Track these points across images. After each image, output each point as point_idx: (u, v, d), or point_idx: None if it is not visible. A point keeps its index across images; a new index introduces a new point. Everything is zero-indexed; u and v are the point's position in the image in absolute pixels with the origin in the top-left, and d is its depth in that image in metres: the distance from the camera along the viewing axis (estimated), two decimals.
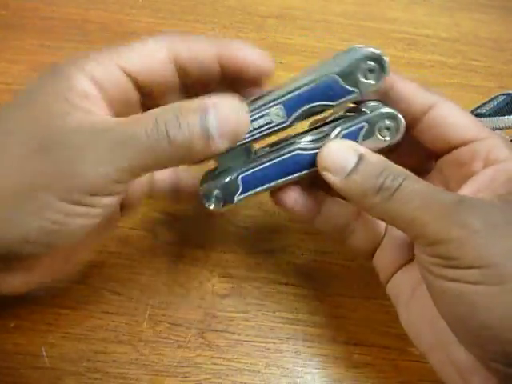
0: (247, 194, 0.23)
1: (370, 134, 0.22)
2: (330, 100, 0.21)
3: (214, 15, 0.46)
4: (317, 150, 0.22)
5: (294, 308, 0.29)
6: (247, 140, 0.22)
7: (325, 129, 0.22)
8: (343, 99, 0.21)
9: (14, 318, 0.27)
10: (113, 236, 0.31)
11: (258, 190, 0.23)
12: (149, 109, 0.22)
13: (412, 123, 0.22)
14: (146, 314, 0.28)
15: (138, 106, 0.22)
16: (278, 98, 0.21)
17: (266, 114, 0.22)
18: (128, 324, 0.27)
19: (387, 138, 0.22)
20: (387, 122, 0.22)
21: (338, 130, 0.22)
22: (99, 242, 0.27)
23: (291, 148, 0.22)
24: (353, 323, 0.29)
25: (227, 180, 0.23)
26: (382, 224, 0.25)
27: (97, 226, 0.25)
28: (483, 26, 0.49)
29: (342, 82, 0.21)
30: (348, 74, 0.21)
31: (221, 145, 0.19)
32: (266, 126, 0.22)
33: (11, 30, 0.43)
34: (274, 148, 0.23)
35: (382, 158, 0.21)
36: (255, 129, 0.22)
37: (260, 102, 0.22)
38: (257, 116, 0.22)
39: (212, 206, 0.23)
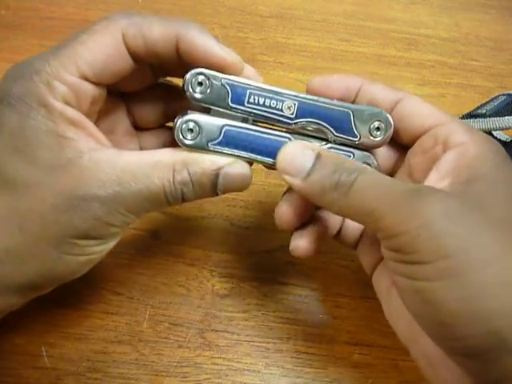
0: (223, 148, 0.22)
1: None
2: (334, 129, 0.22)
3: (214, 15, 0.46)
4: None
5: (294, 308, 0.29)
6: (249, 110, 0.22)
7: (323, 143, 0.23)
8: (343, 136, 0.23)
9: (14, 317, 0.27)
10: None
11: (235, 151, 0.22)
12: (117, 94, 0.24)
13: None
14: (146, 314, 0.28)
15: (106, 99, 0.22)
16: (297, 96, 0.22)
17: (280, 101, 0.22)
18: (128, 324, 0.27)
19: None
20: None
21: (329, 145, 0.23)
22: None
23: (284, 135, 0.23)
24: (353, 323, 0.29)
25: (211, 121, 0.21)
26: None
27: None
28: (483, 26, 0.49)
29: (352, 121, 0.22)
30: (360, 118, 0.22)
31: (220, 195, 0.22)
32: (272, 110, 0.22)
33: (11, 30, 0.43)
34: (271, 126, 0.23)
35: (337, 155, 0.22)
36: (262, 105, 0.22)
37: (283, 90, 0.22)
38: (272, 96, 0.22)
39: (181, 138, 0.21)
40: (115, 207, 0.20)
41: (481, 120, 0.31)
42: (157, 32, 0.20)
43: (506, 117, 0.30)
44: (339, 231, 0.26)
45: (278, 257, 0.31)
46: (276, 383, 0.26)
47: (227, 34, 0.45)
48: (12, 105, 0.19)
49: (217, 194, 0.22)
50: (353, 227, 0.25)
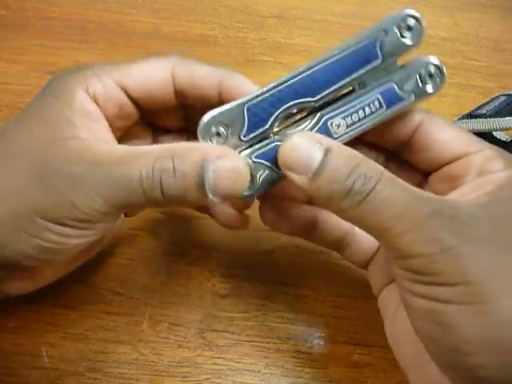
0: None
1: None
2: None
3: (214, 15, 0.46)
4: None
5: (294, 308, 0.29)
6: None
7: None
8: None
9: (14, 317, 0.27)
10: (113, 236, 0.31)
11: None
12: (148, 124, 0.24)
13: (401, 145, 0.22)
14: (146, 314, 0.28)
15: (136, 121, 0.23)
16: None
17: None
18: (128, 324, 0.27)
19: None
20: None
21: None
22: (102, 247, 0.27)
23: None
24: (353, 323, 0.29)
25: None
26: None
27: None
28: (483, 26, 0.49)
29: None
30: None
31: (214, 200, 0.19)
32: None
33: (11, 30, 0.43)
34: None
35: (352, 152, 0.18)
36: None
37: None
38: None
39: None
40: (83, 187, 0.18)
41: (481, 120, 0.31)
42: (204, 70, 0.21)
43: (507, 117, 0.30)
44: (347, 247, 0.24)
45: (278, 257, 0.31)
46: (276, 383, 0.26)
47: (227, 34, 0.44)
48: (52, 87, 0.21)
49: (208, 198, 0.18)
50: (366, 246, 0.24)
